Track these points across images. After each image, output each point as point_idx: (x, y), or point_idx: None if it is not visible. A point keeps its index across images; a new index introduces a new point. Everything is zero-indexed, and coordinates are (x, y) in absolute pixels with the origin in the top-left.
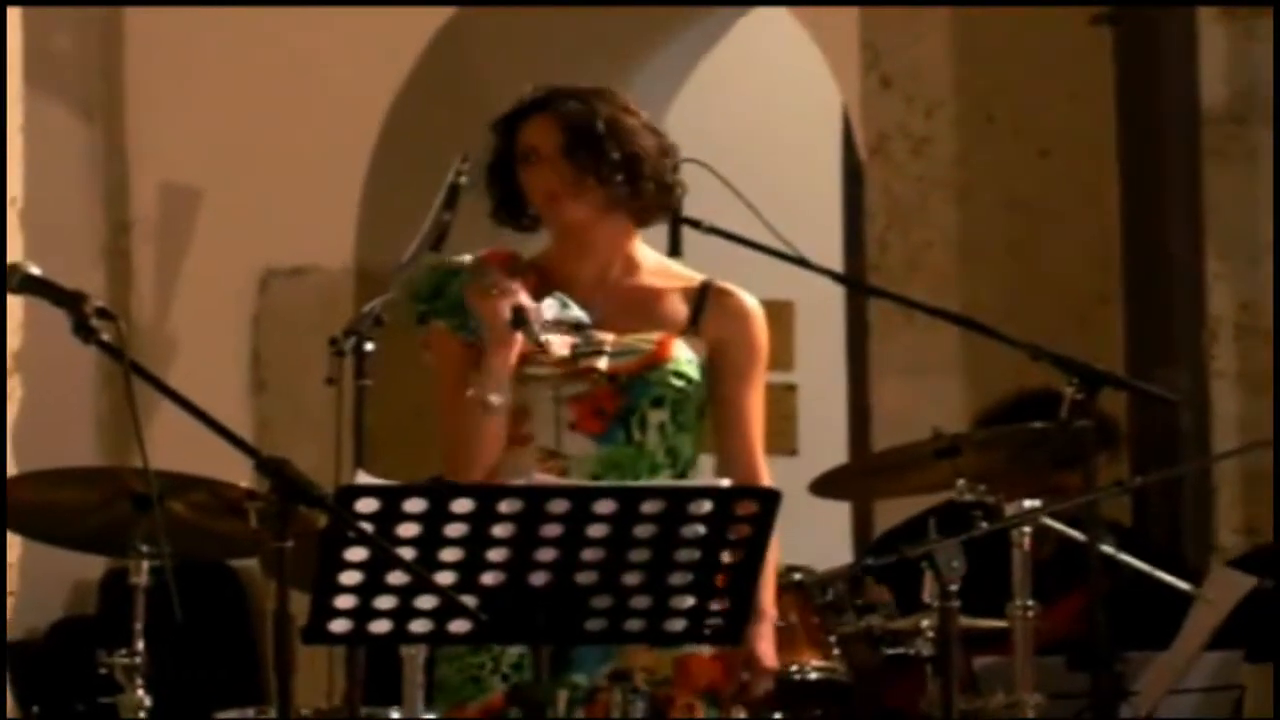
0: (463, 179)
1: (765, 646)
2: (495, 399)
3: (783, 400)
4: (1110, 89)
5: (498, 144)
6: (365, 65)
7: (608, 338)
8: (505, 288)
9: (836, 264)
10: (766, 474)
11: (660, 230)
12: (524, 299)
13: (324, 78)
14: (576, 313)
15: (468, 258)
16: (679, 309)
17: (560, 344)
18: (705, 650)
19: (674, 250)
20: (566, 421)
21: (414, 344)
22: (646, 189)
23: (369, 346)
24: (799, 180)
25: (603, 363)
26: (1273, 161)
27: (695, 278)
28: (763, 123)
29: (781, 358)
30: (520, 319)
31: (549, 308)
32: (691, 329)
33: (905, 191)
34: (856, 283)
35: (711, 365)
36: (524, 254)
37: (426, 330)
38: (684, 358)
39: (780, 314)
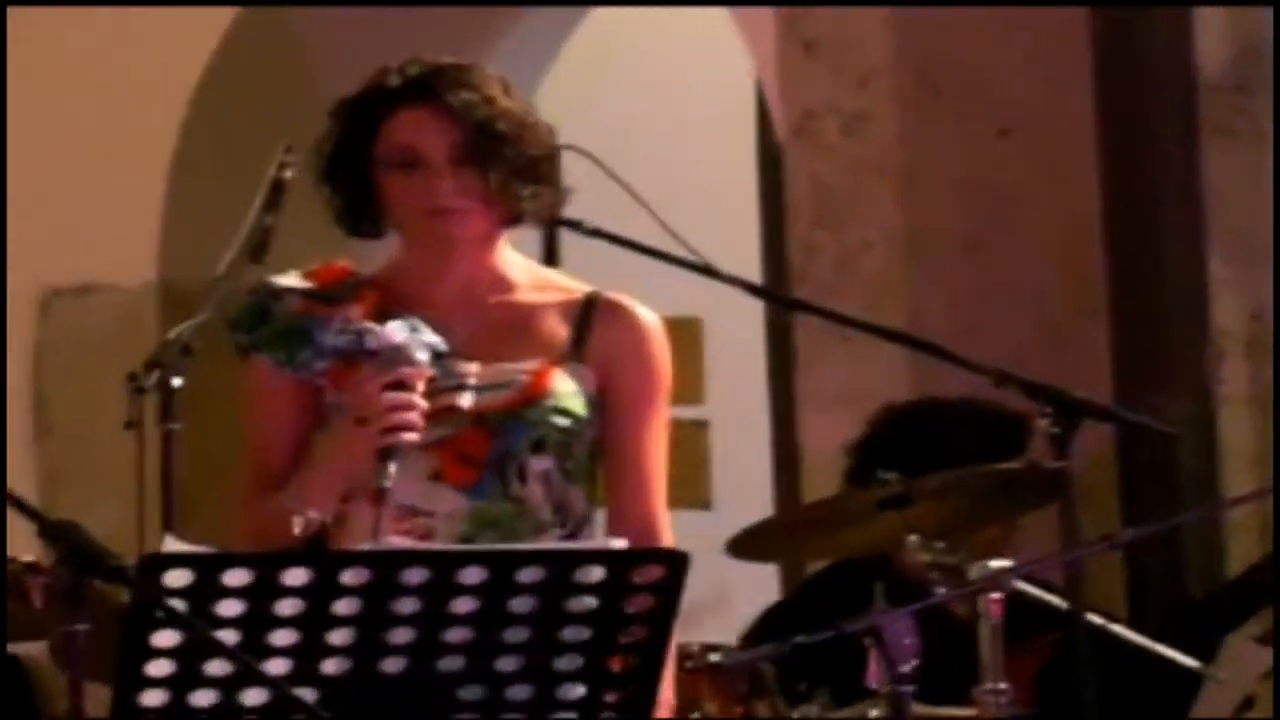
0: (287, 173)
1: None
2: (316, 515)
3: (692, 440)
4: (1084, 51)
5: (343, 133)
6: (160, 51)
7: (471, 368)
8: (393, 423)
9: (753, 272)
10: (669, 532)
11: (530, 232)
12: (408, 436)
13: (113, 71)
14: (430, 338)
15: (292, 276)
16: (558, 329)
17: (421, 374)
18: None
19: (550, 258)
20: (429, 471)
21: (232, 377)
22: (547, 195)
23: (176, 382)
24: (704, 169)
25: (465, 399)
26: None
27: (578, 289)
28: (657, 100)
29: (689, 388)
30: (390, 455)
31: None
32: (574, 353)
33: (835, 180)
34: (777, 295)
35: (601, 397)
36: (360, 264)
37: (247, 365)
38: (567, 389)
39: (686, 334)
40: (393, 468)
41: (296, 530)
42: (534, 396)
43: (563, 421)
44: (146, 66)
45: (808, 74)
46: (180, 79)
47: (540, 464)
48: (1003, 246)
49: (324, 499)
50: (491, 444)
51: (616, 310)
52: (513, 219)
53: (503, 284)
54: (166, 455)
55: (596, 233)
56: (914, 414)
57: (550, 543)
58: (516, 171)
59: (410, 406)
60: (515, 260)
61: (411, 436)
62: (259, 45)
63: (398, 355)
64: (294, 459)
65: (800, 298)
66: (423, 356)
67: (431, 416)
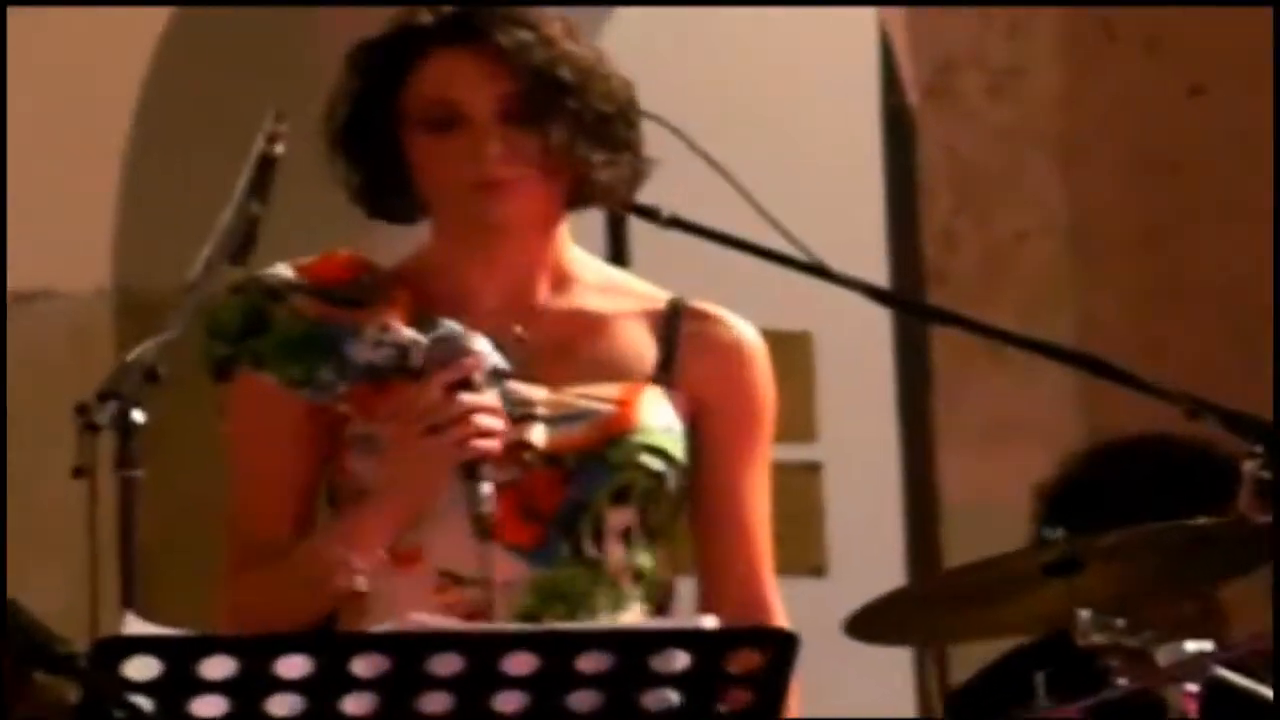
0: (278, 148)
1: None
2: (363, 581)
3: (801, 489)
4: None
5: (362, 85)
6: (109, 33)
7: (539, 395)
8: (477, 428)
9: (877, 272)
10: (779, 604)
11: (588, 221)
12: (495, 443)
13: (58, 55)
14: (489, 348)
15: (284, 268)
16: (643, 345)
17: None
18: None
19: (617, 255)
20: (480, 528)
21: (210, 410)
22: (625, 165)
23: (138, 417)
24: (813, 141)
25: (537, 434)
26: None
27: (658, 295)
28: (753, 52)
29: (797, 421)
30: (478, 473)
31: (489, 477)
32: (663, 376)
33: (981, 154)
34: (907, 301)
35: (690, 434)
36: (380, 258)
37: (233, 386)
38: (659, 423)
39: (793, 352)
40: (487, 487)
41: (359, 586)
42: (620, 431)
43: (655, 464)
44: (94, 48)
45: (946, 17)
46: (132, 59)
47: (621, 518)
48: (1194, 238)
49: (377, 542)
50: (564, 493)
51: (706, 322)
52: (580, 196)
53: (568, 284)
54: (125, 511)
55: (676, 223)
56: (1089, 457)
57: (629, 620)
58: (584, 132)
59: (491, 409)
60: (580, 255)
61: (497, 445)
62: (213, 30)
63: (453, 346)
64: (302, 512)
65: (937, 305)
66: (480, 347)
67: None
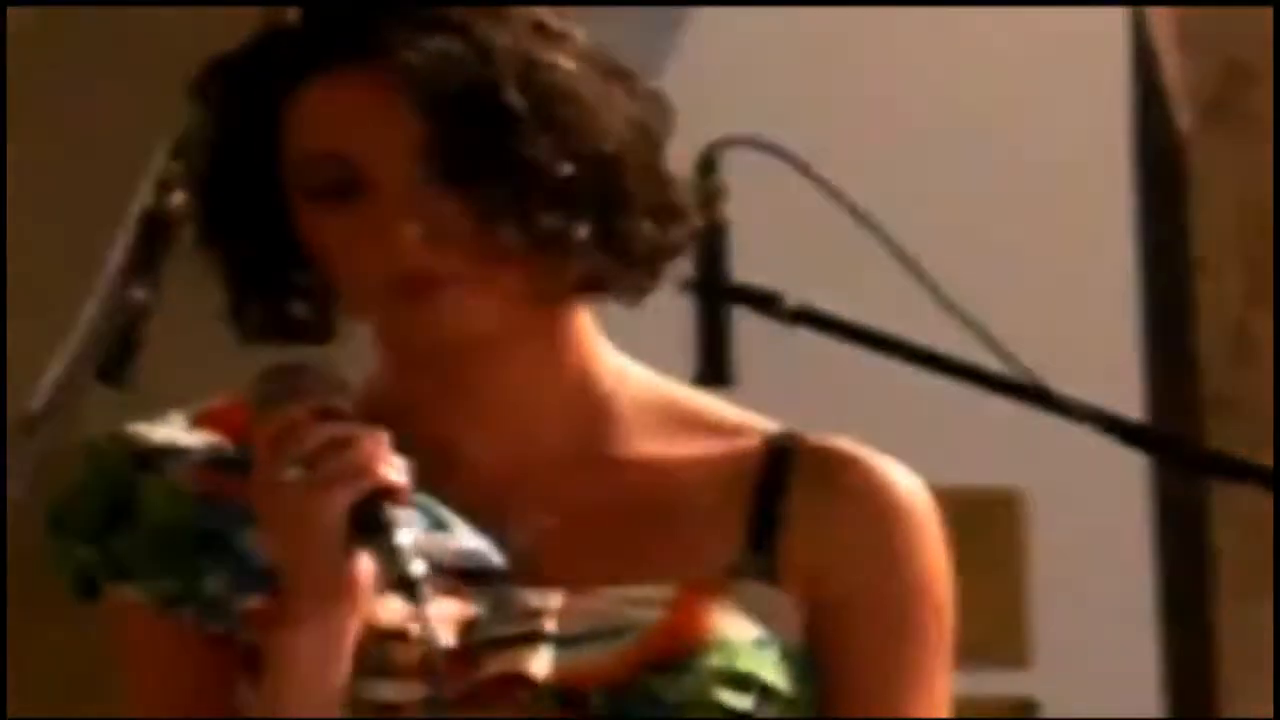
0: (175, 200)
1: None
2: None
3: None
4: None
5: (219, 133)
6: None
7: (551, 602)
8: (345, 436)
9: (1128, 395)
10: None
11: (664, 314)
12: (394, 474)
13: None
14: (472, 543)
15: (178, 423)
16: (723, 510)
17: (439, 620)
18: None
19: (713, 370)
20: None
21: (70, 616)
22: (633, 233)
23: None
24: (1026, 189)
25: (539, 663)
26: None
27: (751, 429)
28: (929, 58)
29: (1000, 633)
30: (373, 522)
31: (406, 523)
32: (756, 561)
33: None
34: (1175, 441)
35: (814, 646)
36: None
37: (103, 604)
38: (742, 636)
39: (995, 522)
40: (405, 535)
41: None
42: (677, 651)
43: (737, 701)
44: None
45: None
46: None
47: None
48: None
49: (330, 668)
50: None
51: (832, 464)
52: (578, 285)
53: (601, 416)
54: None
55: (805, 317)
56: None
57: None
58: (552, 193)
59: (373, 434)
60: (624, 370)
61: (401, 476)
62: (72, 33)
63: (299, 383)
64: None
65: (1221, 448)
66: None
67: (475, 695)
